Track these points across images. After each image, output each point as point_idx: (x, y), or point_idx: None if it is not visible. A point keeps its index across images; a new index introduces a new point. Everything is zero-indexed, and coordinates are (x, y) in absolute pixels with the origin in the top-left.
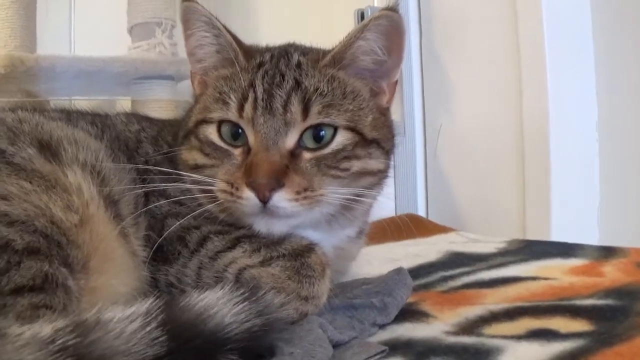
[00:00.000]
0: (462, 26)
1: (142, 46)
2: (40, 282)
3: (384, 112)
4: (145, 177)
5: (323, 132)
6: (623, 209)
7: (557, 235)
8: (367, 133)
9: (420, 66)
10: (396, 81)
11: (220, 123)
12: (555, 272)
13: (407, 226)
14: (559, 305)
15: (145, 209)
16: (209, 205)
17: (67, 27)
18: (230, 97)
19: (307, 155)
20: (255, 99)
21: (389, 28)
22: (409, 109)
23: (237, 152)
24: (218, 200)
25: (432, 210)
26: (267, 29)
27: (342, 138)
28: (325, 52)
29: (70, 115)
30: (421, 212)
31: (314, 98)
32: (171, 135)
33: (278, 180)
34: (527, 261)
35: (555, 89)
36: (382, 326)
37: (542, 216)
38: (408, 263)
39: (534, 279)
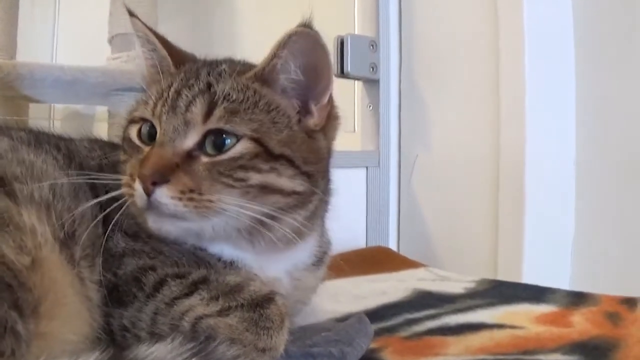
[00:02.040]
0: (443, 58)
1: (121, 57)
2: None
3: (312, 135)
4: (106, 208)
5: (228, 140)
6: (596, 249)
7: (529, 272)
8: (273, 147)
9: (399, 96)
10: (327, 104)
11: (143, 123)
12: (522, 319)
13: (376, 260)
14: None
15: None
16: (131, 207)
17: (50, 35)
18: (151, 98)
19: (204, 159)
20: (167, 98)
21: (304, 46)
22: (384, 138)
23: (147, 148)
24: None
25: (403, 243)
26: (246, 53)
27: (241, 147)
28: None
29: (38, 137)
30: (392, 245)
31: (219, 102)
32: None
33: (162, 175)
34: (495, 305)
35: (533, 125)
36: None
37: (514, 254)
38: (374, 301)
39: (500, 326)
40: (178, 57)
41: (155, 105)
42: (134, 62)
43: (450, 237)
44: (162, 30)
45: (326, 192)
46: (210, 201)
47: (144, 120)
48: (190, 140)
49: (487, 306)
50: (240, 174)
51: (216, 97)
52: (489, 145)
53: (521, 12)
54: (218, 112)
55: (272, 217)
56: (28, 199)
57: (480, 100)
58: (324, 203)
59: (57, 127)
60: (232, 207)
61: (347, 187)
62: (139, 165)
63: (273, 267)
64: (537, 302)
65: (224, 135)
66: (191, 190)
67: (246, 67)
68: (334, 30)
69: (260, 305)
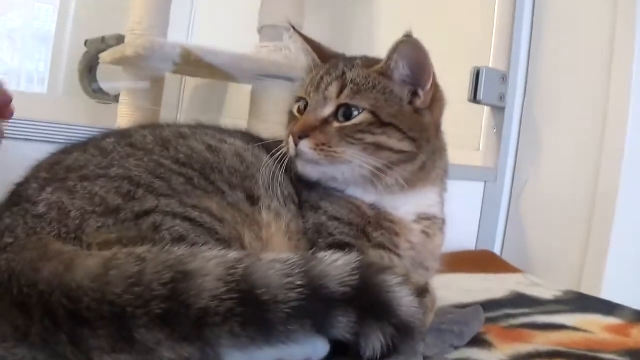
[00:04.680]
0: (560, 93)
1: (269, 47)
2: None
3: (419, 112)
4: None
5: (356, 112)
6: None
7: (608, 289)
8: (384, 117)
9: (519, 123)
10: (430, 89)
11: (300, 100)
12: (594, 326)
13: (483, 261)
14: (588, 355)
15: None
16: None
17: (188, 16)
18: (306, 83)
19: (335, 124)
20: (314, 82)
21: (409, 50)
22: (503, 158)
23: (300, 117)
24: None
25: (506, 250)
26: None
27: (361, 117)
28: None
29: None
30: (497, 250)
31: (348, 85)
32: None
33: (305, 132)
34: (575, 312)
35: (631, 163)
36: (457, 348)
37: (597, 272)
38: (480, 296)
39: (575, 329)
40: (324, 55)
41: (307, 87)
42: (281, 52)
43: (545, 250)
44: (306, 24)
45: (435, 153)
46: (336, 152)
47: (301, 98)
48: (327, 111)
49: (569, 312)
50: (359, 135)
51: (346, 81)
52: (589, 177)
53: (631, 62)
54: (346, 91)
55: (387, 168)
56: (267, 205)
57: (586, 135)
58: (432, 162)
59: (187, 97)
60: (355, 159)
61: (466, 196)
62: (292, 128)
63: (402, 209)
64: (608, 314)
65: (352, 108)
66: (323, 144)
67: (374, 61)
68: (472, 60)
69: (421, 295)
